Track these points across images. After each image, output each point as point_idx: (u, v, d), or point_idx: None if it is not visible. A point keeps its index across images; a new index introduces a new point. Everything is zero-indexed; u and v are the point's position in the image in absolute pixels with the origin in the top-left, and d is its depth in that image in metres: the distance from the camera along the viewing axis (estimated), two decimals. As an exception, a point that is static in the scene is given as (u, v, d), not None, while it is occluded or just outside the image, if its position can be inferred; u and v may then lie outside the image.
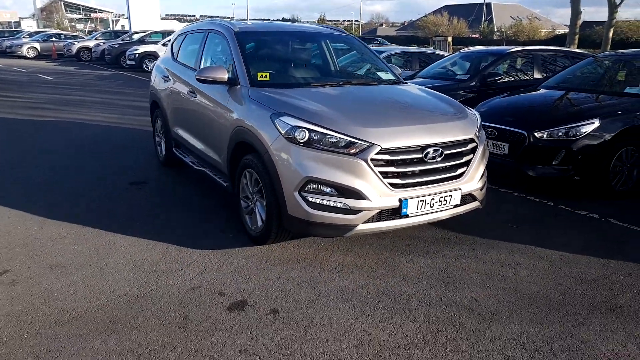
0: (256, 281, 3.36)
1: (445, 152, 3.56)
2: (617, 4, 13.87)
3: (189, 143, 5.15)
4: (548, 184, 5.45)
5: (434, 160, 3.51)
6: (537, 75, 7.83)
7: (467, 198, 3.75)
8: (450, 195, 3.62)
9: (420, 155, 3.47)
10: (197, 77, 4.24)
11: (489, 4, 65.17)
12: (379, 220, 3.43)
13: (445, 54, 11.42)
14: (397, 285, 3.33)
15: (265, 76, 4.23)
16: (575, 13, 12.79)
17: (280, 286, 3.29)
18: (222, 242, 3.98)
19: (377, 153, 3.33)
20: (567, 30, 62.39)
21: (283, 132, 3.45)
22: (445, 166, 3.59)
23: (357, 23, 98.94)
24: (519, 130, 5.24)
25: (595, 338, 2.77)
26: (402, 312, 3.00)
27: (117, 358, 2.54)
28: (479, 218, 4.41)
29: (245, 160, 3.88)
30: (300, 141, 3.38)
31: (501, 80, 7.47)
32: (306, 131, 3.39)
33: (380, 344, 2.69)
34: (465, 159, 3.71)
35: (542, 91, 6.11)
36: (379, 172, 3.35)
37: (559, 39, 45.60)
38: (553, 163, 5.10)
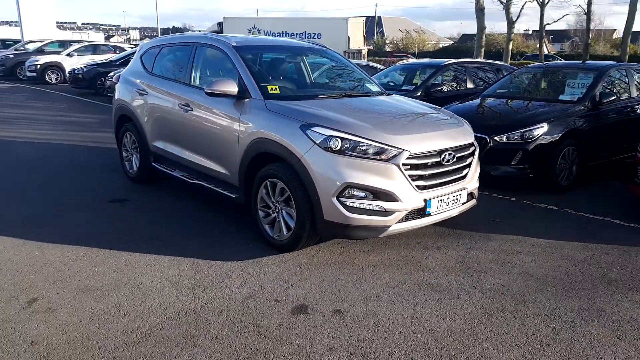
0: (302, 286, 3.50)
1: (456, 155, 3.97)
2: (514, 20, 15.74)
3: (179, 157, 5.09)
4: (503, 182, 6.10)
5: (449, 163, 3.90)
6: (469, 85, 8.65)
7: (469, 196, 4.19)
8: (460, 194, 4.03)
9: (438, 159, 3.84)
10: (207, 91, 4.26)
11: (379, 17, 68.89)
12: (407, 220, 3.75)
13: (380, 66, 12.10)
14: (430, 278, 3.65)
15: (276, 89, 4.37)
16: (481, 28, 14.21)
17: (328, 288, 3.47)
18: (244, 252, 4.04)
19: (407, 158, 3.65)
20: (449, 42, 67.03)
21: (317, 142, 3.64)
22: (455, 168, 4.00)
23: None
24: (480, 135, 5.80)
25: (611, 306, 3.30)
26: (449, 301, 3.32)
27: (218, 369, 2.58)
28: (463, 215, 4.87)
29: (267, 170, 3.99)
30: (335, 150, 3.59)
31: (442, 90, 8.16)
32: (339, 140, 3.61)
33: (447, 330, 2.98)
34: (468, 161, 4.14)
35: (490, 100, 6.82)
36: (408, 175, 3.67)
37: (445, 51, 49.50)
38: (512, 163, 5.76)
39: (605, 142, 6.38)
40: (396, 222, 3.68)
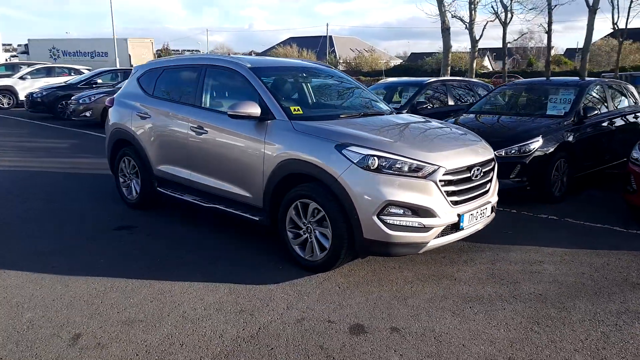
0: (349, 305, 3.49)
1: (483, 170, 4.10)
2: (477, 39, 16.46)
3: (190, 180, 5.00)
4: (502, 195, 6.30)
5: (477, 178, 4.03)
6: (450, 102, 8.96)
7: (492, 209, 4.33)
8: (486, 208, 4.17)
9: (469, 174, 3.96)
10: (230, 113, 4.24)
11: (330, 37, 69.95)
12: (443, 235, 3.83)
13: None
14: (469, 291, 3.74)
15: (298, 109, 4.39)
16: (447, 48, 14.77)
17: (375, 306, 3.48)
18: (277, 274, 4.00)
19: (443, 174, 3.74)
20: (399, 61, 68.79)
21: (355, 161, 3.68)
22: (482, 182, 4.13)
23: (198, 52, 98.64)
24: (479, 150, 6.04)
25: (644, 308, 3.48)
26: (496, 312, 3.41)
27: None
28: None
29: (298, 191, 3.99)
30: (373, 168, 3.65)
31: (427, 108, 8.40)
32: (376, 158, 3.67)
33: (507, 340, 3.06)
34: (490, 175, 4.29)
35: (481, 116, 7.07)
36: (444, 191, 3.76)
37: (397, 69, 50.84)
38: (511, 177, 5.99)
39: (589, 153, 6.74)
40: (434, 238, 3.75)
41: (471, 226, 4.02)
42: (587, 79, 7.52)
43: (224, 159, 4.61)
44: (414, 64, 54.14)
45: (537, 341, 3.05)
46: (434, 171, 3.72)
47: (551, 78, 9.15)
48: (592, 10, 13.06)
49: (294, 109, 4.38)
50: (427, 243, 3.73)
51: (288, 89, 4.92)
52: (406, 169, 3.68)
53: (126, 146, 5.79)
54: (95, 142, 11.32)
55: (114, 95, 6.15)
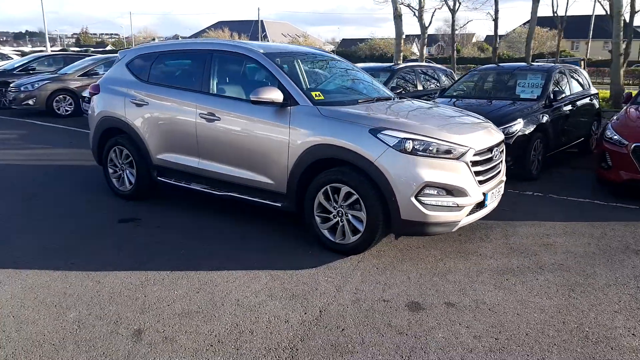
0: (395, 284, 3.61)
1: (499, 150, 4.33)
2: (427, 26, 16.97)
3: (198, 169, 4.87)
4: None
5: (496, 158, 4.25)
6: (419, 87, 9.23)
7: (502, 188, 4.59)
8: (501, 186, 4.41)
9: (490, 155, 4.17)
10: (253, 99, 4.18)
11: (262, 21, 69.01)
12: (471, 214, 4.02)
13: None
14: (499, 264, 3.96)
15: (319, 95, 4.40)
16: (399, 34, 15.09)
17: (420, 284, 3.62)
18: (310, 259, 4.03)
19: (473, 155, 3.92)
20: (331, 47, 69.21)
21: (391, 145, 3.77)
22: (498, 162, 4.36)
23: (117, 37, 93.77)
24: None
25: (655, 271, 3.86)
26: (532, 282, 3.65)
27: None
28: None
29: (328, 176, 4.02)
30: (409, 151, 3.76)
31: (401, 93, 8.61)
32: (411, 141, 3.78)
33: (554, 307, 3.30)
34: (502, 156, 4.53)
35: (458, 101, 7.37)
36: (473, 171, 3.95)
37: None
38: (495, 156, 6.31)
39: (558, 134, 7.23)
40: (465, 216, 3.93)
41: (491, 204, 4.25)
42: (552, 64, 8.03)
43: (240, 146, 4.53)
44: (347, 49, 54.69)
45: (579, 306, 3.31)
46: (465, 152, 3.89)
47: (533, 64, 9.57)
48: (536, 0, 13.91)
49: (315, 94, 4.39)
50: (460, 221, 3.91)
51: (305, 75, 4.89)
52: (440, 150, 3.82)
53: (118, 135, 5.52)
54: (45, 131, 10.65)
55: (98, 82, 5.82)
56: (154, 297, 3.39)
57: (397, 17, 14.65)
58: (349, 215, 4.03)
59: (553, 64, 7.89)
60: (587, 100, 8.26)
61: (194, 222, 4.88)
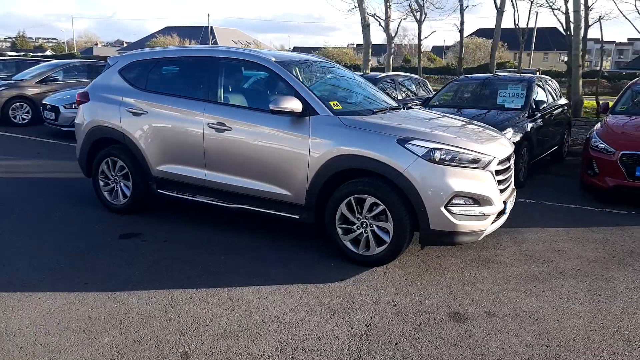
0: (429, 295, 3.60)
1: (513, 160, 4.43)
2: (393, 36, 17.24)
3: (205, 180, 4.70)
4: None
5: (511, 167, 4.35)
6: (399, 96, 9.35)
7: (514, 196, 4.69)
8: (514, 195, 4.51)
9: (509, 164, 4.26)
10: (273, 109, 4.08)
11: (211, 27, 68.06)
12: (494, 222, 4.08)
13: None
14: (522, 271, 4.03)
15: (337, 104, 4.35)
16: (367, 44, 15.27)
17: (454, 293, 3.63)
18: (335, 271, 3.97)
19: (497, 164, 3.99)
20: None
21: (420, 155, 3.77)
22: (512, 172, 4.46)
23: (55, 41, 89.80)
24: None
25: (665, 274, 4.04)
26: (560, 288, 3.73)
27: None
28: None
29: (352, 187, 3.97)
30: (437, 161, 3.77)
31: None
32: (439, 151, 3.80)
33: (589, 312, 3.38)
34: (514, 165, 4.64)
35: (445, 110, 7.49)
36: (497, 180, 4.01)
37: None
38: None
39: (540, 142, 7.50)
40: (489, 225, 3.98)
41: (508, 211, 4.32)
42: (530, 75, 8.33)
43: (253, 157, 4.41)
44: (300, 58, 54.69)
45: (612, 310, 3.41)
46: (490, 162, 3.94)
47: (512, 74, 9.84)
48: (500, 12, 14.48)
49: (334, 103, 4.33)
50: (485, 230, 3.95)
51: (319, 84, 4.82)
52: (468, 160, 3.85)
53: (111, 146, 5.25)
54: (4, 142, 9.99)
55: (86, 90, 5.52)
56: (189, 317, 3.22)
57: (365, 27, 14.84)
58: (374, 226, 3.99)
59: (531, 76, 8.19)
60: (560, 109, 8.62)
61: (201, 236, 4.69)
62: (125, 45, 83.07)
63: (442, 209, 3.75)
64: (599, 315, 3.34)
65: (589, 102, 15.29)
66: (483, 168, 3.90)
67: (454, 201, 3.77)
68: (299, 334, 3.05)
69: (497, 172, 4.07)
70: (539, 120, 7.47)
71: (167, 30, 67.20)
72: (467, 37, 62.28)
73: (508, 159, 4.28)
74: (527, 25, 18.33)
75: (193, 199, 4.83)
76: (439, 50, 75.66)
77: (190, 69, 4.98)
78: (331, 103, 4.32)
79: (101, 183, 5.39)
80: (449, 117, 5.08)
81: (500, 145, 4.29)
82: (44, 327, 3.07)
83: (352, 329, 3.12)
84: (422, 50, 22.49)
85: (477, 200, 3.85)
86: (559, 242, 4.72)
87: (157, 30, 73.63)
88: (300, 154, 4.18)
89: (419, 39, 17.69)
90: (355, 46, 75.75)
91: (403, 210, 3.84)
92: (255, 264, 4.08)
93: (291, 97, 4.17)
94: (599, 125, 6.67)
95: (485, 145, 4.06)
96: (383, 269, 4.02)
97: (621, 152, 5.86)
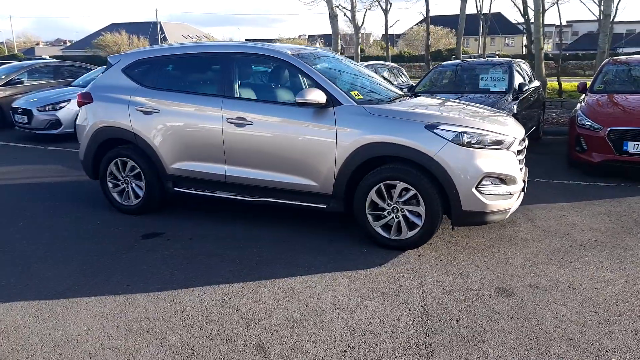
0: (470, 274, 3.75)
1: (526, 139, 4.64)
2: (360, 26, 17.38)
3: (225, 175, 4.68)
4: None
5: (526, 147, 4.55)
6: (381, 84, 9.48)
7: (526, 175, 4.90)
8: (527, 173, 4.72)
9: (525, 144, 4.46)
10: (299, 101, 4.12)
11: (159, 23, 66.27)
12: (517, 200, 4.27)
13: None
14: (545, 246, 4.25)
15: (357, 94, 4.42)
16: (335, 34, 15.33)
17: (492, 270, 3.79)
18: (370, 257, 4.05)
19: (517, 144, 4.18)
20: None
21: (450, 139, 3.91)
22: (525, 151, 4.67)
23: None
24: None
25: (672, 239, 4.36)
26: (586, 258, 3.96)
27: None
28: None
29: (382, 173, 4.07)
30: (466, 144, 3.92)
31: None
32: (466, 135, 3.95)
33: (620, 279, 3.61)
34: (523, 145, 4.85)
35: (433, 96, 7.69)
36: (518, 160, 4.20)
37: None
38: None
39: (524, 123, 7.79)
40: (514, 203, 4.17)
41: (525, 190, 4.53)
42: (509, 59, 8.63)
43: (277, 150, 4.43)
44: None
45: (639, 275, 3.66)
46: (512, 142, 4.13)
47: (492, 59, 10.11)
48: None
49: (354, 93, 4.41)
50: (511, 208, 4.14)
51: (332, 75, 4.86)
52: (493, 142, 4.01)
53: (120, 146, 5.14)
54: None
55: (87, 90, 5.36)
56: (247, 310, 3.24)
57: (333, 17, 14.90)
58: (405, 211, 4.10)
59: (510, 59, 8.49)
60: (536, 91, 8.99)
61: (225, 232, 4.68)
62: (68, 44, 79.90)
63: (474, 190, 3.90)
64: (630, 280, 3.58)
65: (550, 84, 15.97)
66: (507, 148, 4.08)
67: (483, 182, 3.93)
68: (361, 318, 3.13)
69: (519, 152, 4.26)
70: (522, 102, 7.77)
71: (113, 27, 65.01)
72: (415, 25, 63.38)
73: (524, 139, 4.47)
74: (490, 10, 18.89)
75: (213, 194, 4.81)
76: (389, 39, 76.58)
77: (203, 65, 4.92)
78: (352, 93, 4.39)
79: (110, 185, 5.27)
80: (457, 102, 5.24)
81: (517, 126, 4.48)
82: (105, 331, 3.02)
83: (409, 310, 3.23)
84: (373, 40, 22.73)
85: (504, 179, 4.02)
86: (568, 217, 4.98)
87: (101, 27, 71.14)
88: (327, 144, 4.23)
89: (386, 28, 17.91)
90: (307, 37, 75.69)
91: (434, 193, 3.97)
92: (290, 255, 4.12)
93: (315, 89, 4.21)
94: (582, 103, 7.01)
95: (506, 127, 4.24)
96: (415, 252, 4.15)
97: (609, 129, 6.20)
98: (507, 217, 4.18)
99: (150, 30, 64.40)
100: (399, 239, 4.15)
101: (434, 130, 3.95)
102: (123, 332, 3.00)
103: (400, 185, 4.05)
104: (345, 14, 16.61)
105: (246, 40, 78.51)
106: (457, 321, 3.08)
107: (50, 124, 9.66)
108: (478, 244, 4.31)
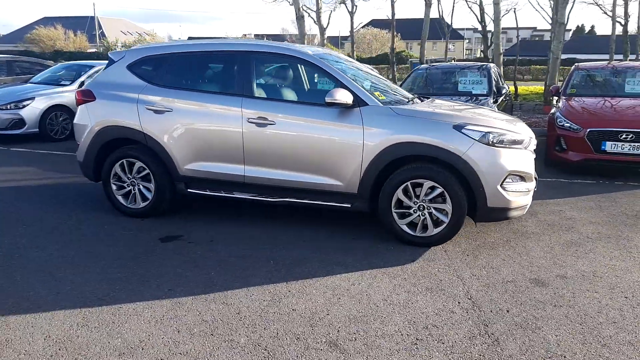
0: (500, 267, 3.94)
1: (533, 139, 4.91)
2: (325, 27, 17.47)
3: (244, 176, 4.65)
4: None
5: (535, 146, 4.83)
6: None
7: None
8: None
9: (536, 143, 4.73)
10: (329, 101, 4.18)
11: (97, 17, 63.59)
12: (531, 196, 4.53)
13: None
14: (558, 239, 4.52)
15: (380, 95, 4.53)
16: (302, 34, 15.35)
17: (518, 263, 4.00)
18: (399, 255, 4.16)
19: (533, 143, 4.43)
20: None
21: (477, 139, 4.09)
22: (533, 150, 4.94)
23: None
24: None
25: (664, 230, 4.76)
26: (598, 250, 4.26)
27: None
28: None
29: (409, 172, 4.19)
30: (491, 144, 4.12)
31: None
32: (491, 135, 4.15)
33: (636, 267, 3.92)
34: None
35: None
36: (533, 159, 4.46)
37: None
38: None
39: (502, 124, 8.20)
40: (530, 199, 4.42)
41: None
42: (486, 63, 9.03)
43: (300, 150, 4.45)
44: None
45: (651, 263, 3.99)
46: (530, 141, 4.37)
47: (467, 63, 10.46)
48: (428, 4, 15.32)
49: (377, 94, 4.51)
50: (528, 204, 4.38)
51: (354, 76, 4.92)
52: (514, 141, 4.23)
53: (126, 146, 4.98)
54: None
55: (88, 88, 5.15)
56: (304, 309, 3.26)
57: (300, 18, 14.96)
58: (432, 208, 4.24)
59: (487, 63, 8.89)
60: (507, 94, 9.46)
61: (245, 233, 4.64)
62: (-2, 37, 75.00)
63: (499, 187, 4.10)
64: (648, 268, 3.90)
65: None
66: (526, 147, 4.31)
67: (507, 180, 4.13)
68: (417, 312, 3.23)
69: (533, 151, 4.51)
70: (500, 105, 8.16)
71: (47, 21, 61.73)
72: (362, 27, 64.42)
73: (531, 138, 4.74)
74: (451, 17, 19.63)
75: (229, 195, 4.75)
76: (334, 40, 77.29)
77: (220, 63, 4.86)
78: (375, 93, 4.49)
79: (114, 187, 5.08)
80: (467, 104, 5.46)
81: (527, 127, 4.74)
82: (167, 336, 2.95)
83: (459, 303, 3.36)
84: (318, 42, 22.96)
85: (523, 177, 4.25)
86: (565, 212, 5.31)
87: (33, 21, 67.41)
88: (354, 144, 4.30)
89: (352, 30, 18.15)
90: (253, 36, 75.02)
91: (461, 191, 4.14)
92: (320, 254, 4.16)
93: (341, 89, 4.27)
94: (560, 106, 7.45)
95: (521, 128, 4.48)
96: (440, 248, 4.30)
97: (588, 129, 6.65)
98: (524, 212, 4.41)
99: (87, 25, 61.80)
100: (425, 236, 4.28)
101: (462, 130, 4.11)
102: (187, 337, 2.94)
103: (428, 183, 4.19)
104: (309, 15, 16.69)
105: (189, 38, 76.73)
106: (508, 311, 3.25)
107: (13, 123, 9.12)
108: (495, 239, 4.52)
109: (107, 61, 5.22)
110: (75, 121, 5.22)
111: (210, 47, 4.95)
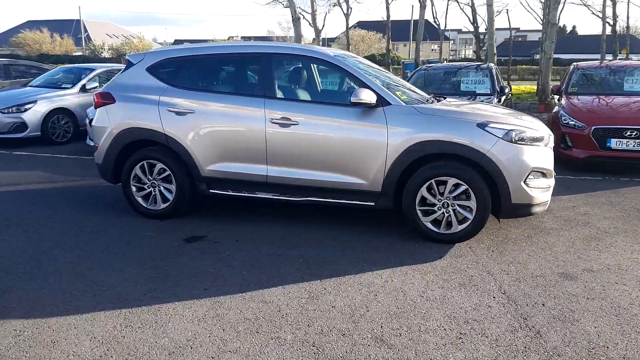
0: (527, 262, 4.01)
1: (549, 137, 5.01)
2: (320, 29, 17.53)
3: (267, 176, 4.67)
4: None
5: (551, 143, 4.93)
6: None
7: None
8: (548, 168, 5.10)
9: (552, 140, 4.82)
10: (354, 101, 4.24)
11: (82, 21, 63.02)
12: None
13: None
14: (577, 235, 4.61)
15: (402, 94, 4.59)
16: (298, 36, 15.39)
17: (543, 258, 4.08)
18: (426, 252, 4.22)
19: (552, 141, 4.52)
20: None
21: (500, 136, 4.17)
22: (548, 147, 5.03)
23: None
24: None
25: (677, 224, 4.89)
26: (619, 244, 4.36)
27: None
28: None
29: (432, 170, 4.25)
30: (514, 141, 4.20)
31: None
32: (514, 132, 4.23)
33: (655, 260, 4.03)
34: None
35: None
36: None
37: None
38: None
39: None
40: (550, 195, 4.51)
41: (552, 184, 4.90)
42: (483, 64, 9.16)
43: (324, 150, 4.49)
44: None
45: (671, 256, 4.10)
46: (549, 139, 4.46)
47: (470, 63, 10.58)
48: (423, 6, 15.47)
49: (399, 94, 4.57)
50: (549, 200, 4.47)
51: (374, 76, 4.97)
52: (535, 138, 4.32)
53: (147, 148, 4.98)
54: None
55: (106, 90, 5.14)
56: (342, 306, 3.30)
57: (296, 20, 15.01)
58: (456, 205, 4.31)
59: (488, 64, 9.01)
60: (508, 93, 9.60)
61: (266, 232, 4.67)
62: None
63: (522, 184, 4.18)
64: (667, 261, 4.00)
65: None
66: (546, 145, 4.40)
67: (530, 176, 4.22)
68: (455, 308, 3.29)
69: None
70: (503, 104, 8.29)
71: (32, 24, 61.01)
72: (350, 28, 64.79)
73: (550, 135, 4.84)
74: (445, 19, 19.85)
75: (251, 195, 4.78)
76: (322, 42, 77.58)
77: (241, 65, 4.88)
78: (397, 93, 4.55)
79: (134, 189, 5.07)
80: (485, 104, 5.54)
81: (544, 125, 4.83)
82: (213, 334, 2.97)
83: (494, 297, 3.43)
84: (304, 44, 23.08)
85: (545, 174, 4.34)
86: (579, 207, 5.42)
87: (17, 24, 66.62)
88: (378, 143, 4.35)
89: (347, 32, 18.26)
90: (240, 38, 74.87)
91: (485, 188, 4.21)
92: (349, 253, 4.20)
93: (365, 89, 4.33)
94: (563, 104, 7.59)
95: (539, 125, 4.57)
96: (465, 244, 4.36)
97: (593, 127, 6.79)
98: (546, 208, 4.49)
99: (73, 28, 61.23)
100: (449, 233, 4.35)
101: (485, 128, 4.19)
102: (233, 335, 2.96)
103: (452, 181, 4.25)
104: (303, 17, 16.77)
105: (175, 40, 76.51)
106: (544, 304, 3.32)
107: (15, 126, 9.04)
108: (517, 235, 4.60)
109: (103, 64, 5.22)
110: (93, 124, 5.21)
111: (231, 49, 4.98)
